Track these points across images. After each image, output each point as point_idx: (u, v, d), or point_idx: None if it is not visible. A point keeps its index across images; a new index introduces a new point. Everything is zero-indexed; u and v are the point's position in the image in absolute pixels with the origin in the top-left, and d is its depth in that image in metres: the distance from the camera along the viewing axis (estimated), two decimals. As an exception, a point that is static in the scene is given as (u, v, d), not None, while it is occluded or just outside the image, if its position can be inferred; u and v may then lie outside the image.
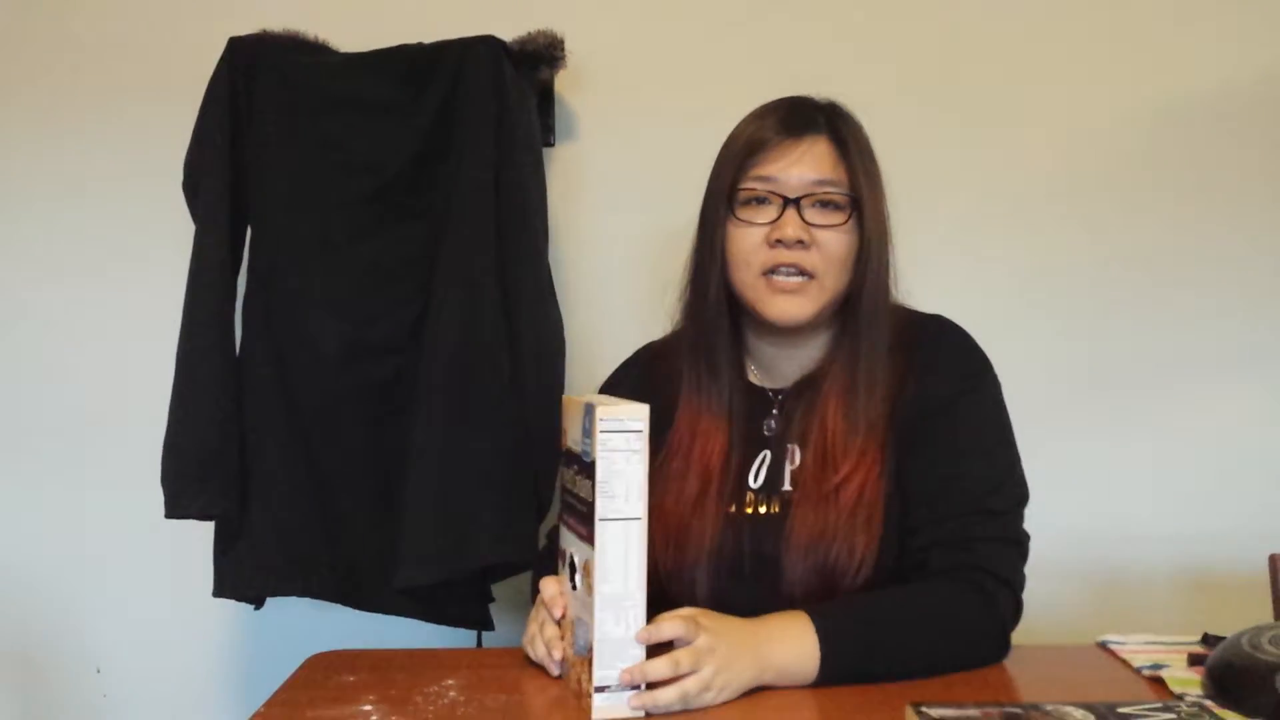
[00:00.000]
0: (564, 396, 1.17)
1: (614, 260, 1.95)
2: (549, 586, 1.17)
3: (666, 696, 1.03)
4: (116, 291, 1.98)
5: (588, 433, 1.03)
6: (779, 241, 1.24)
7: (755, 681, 1.09)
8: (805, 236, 1.24)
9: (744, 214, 1.27)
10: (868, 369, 1.26)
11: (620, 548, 1.02)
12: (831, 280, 1.26)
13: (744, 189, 1.27)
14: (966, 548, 1.20)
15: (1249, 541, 1.75)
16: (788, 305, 1.26)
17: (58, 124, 1.97)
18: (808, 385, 1.31)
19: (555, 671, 1.15)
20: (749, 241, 1.26)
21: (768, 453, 1.30)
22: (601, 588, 1.02)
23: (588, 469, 1.03)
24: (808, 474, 1.26)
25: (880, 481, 1.23)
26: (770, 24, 1.94)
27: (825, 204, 1.25)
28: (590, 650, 1.03)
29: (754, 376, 1.36)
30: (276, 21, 1.77)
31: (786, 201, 1.24)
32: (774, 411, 1.32)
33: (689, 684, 1.04)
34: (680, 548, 1.27)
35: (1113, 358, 1.94)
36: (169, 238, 1.81)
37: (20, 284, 1.99)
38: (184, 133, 1.72)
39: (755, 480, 1.29)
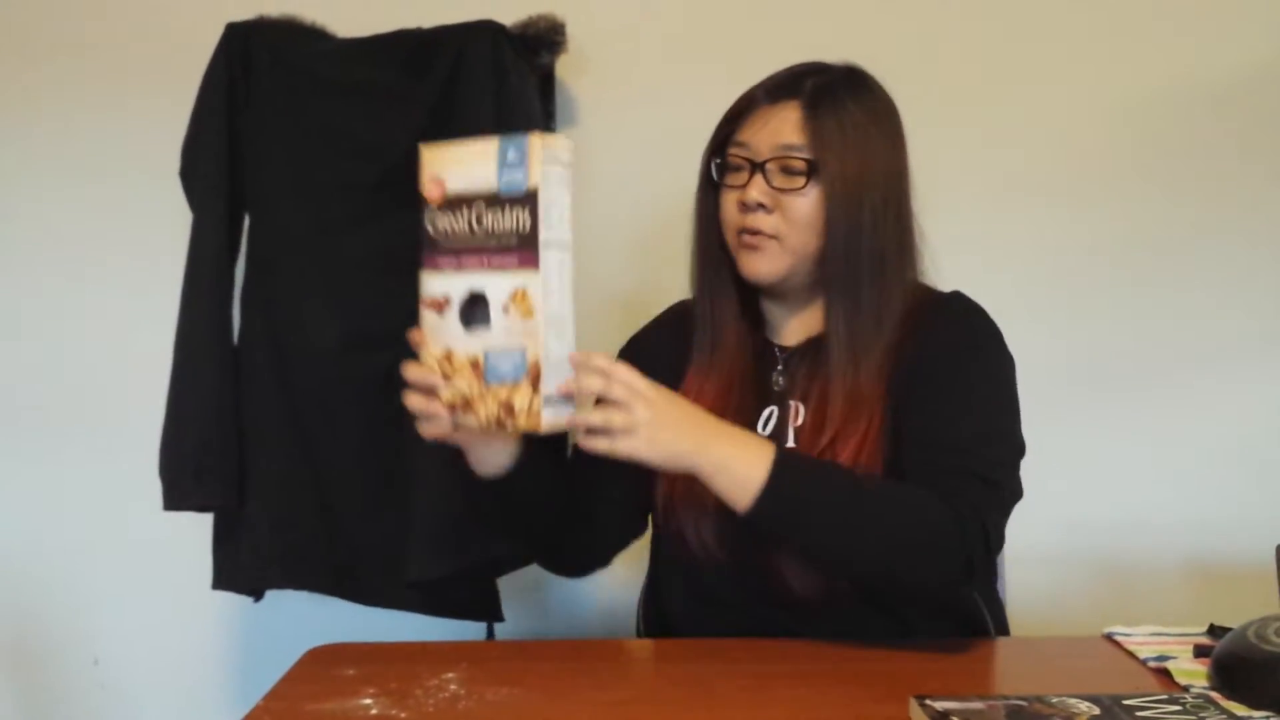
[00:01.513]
0: (425, 146, 1.20)
1: (615, 246, 1.94)
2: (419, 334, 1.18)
3: (590, 416, 1.08)
4: (115, 281, 1.97)
5: (516, 164, 1.08)
6: (744, 205, 1.27)
7: (688, 457, 1.11)
8: (767, 200, 1.26)
9: (727, 179, 1.30)
10: (852, 331, 1.26)
11: (558, 269, 1.08)
12: (795, 241, 1.27)
13: (727, 155, 1.30)
14: (947, 484, 1.18)
15: (1256, 532, 1.73)
16: (754, 262, 1.28)
17: (53, 111, 1.96)
18: (813, 346, 1.32)
19: (446, 415, 1.14)
20: (727, 205, 1.30)
21: (774, 409, 1.31)
22: (547, 308, 1.06)
23: (521, 200, 1.08)
24: (807, 433, 1.27)
25: (879, 444, 1.23)
26: (774, 7, 1.92)
27: (788, 169, 1.26)
28: (524, 374, 1.08)
29: (767, 334, 1.37)
30: (274, 6, 1.75)
31: (754, 166, 1.27)
32: (778, 368, 1.34)
33: (614, 415, 1.08)
34: (686, 498, 1.28)
35: (1120, 348, 1.93)
36: (167, 226, 1.80)
37: (18, 274, 1.98)
38: (181, 120, 1.71)
39: (763, 431, 1.30)
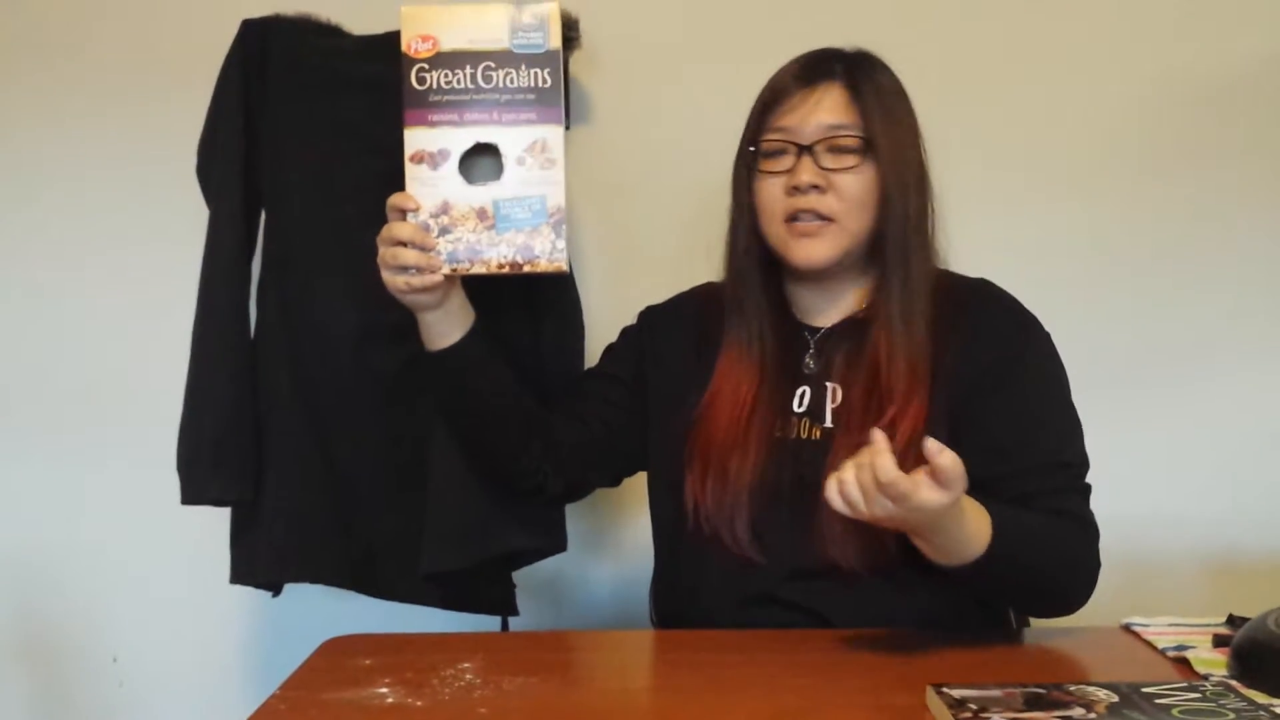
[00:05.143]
0: (406, 7, 1.27)
1: (630, 245, 1.94)
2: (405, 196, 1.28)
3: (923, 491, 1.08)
4: (131, 276, 1.97)
5: (534, 28, 1.21)
6: (795, 188, 1.27)
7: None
8: (820, 181, 1.27)
9: (765, 165, 1.31)
10: (906, 304, 1.28)
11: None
12: (852, 222, 1.28)
13: (764, 141, 1.30)
14: (1063, 503, 1.24)
15: (1275, 524, 1.73)
16: (810, 249, 1.28)
17: (70, 109, 1.96)
18: (851, 327, 1.33)
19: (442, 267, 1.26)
20: (771, 191, 1.30)
21: (807, 389, 1.32)
22: (565, 159, 1.21)
23: (539, 59, 1.21)
24: (854, 410, 1.27)
25: (926, 427, 1.23)
26: (792, 3, 1.91)
27: (838, 148, 1.28)
28: (545, 219, 1.22)
29: (795, 316, 1.38)
30: (289, 5, 1.76)
31: (800, 149, 1.28)
32: (810, 350, 1.35)
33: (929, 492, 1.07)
34: (721, 478, 1.29)
35: (1138, 340, 1.91)
36: (182, 222, 1.81)
37: (33, 267, 1.98)
38: (197, 117, 1.71)
39: (799, 410, 1.32)
